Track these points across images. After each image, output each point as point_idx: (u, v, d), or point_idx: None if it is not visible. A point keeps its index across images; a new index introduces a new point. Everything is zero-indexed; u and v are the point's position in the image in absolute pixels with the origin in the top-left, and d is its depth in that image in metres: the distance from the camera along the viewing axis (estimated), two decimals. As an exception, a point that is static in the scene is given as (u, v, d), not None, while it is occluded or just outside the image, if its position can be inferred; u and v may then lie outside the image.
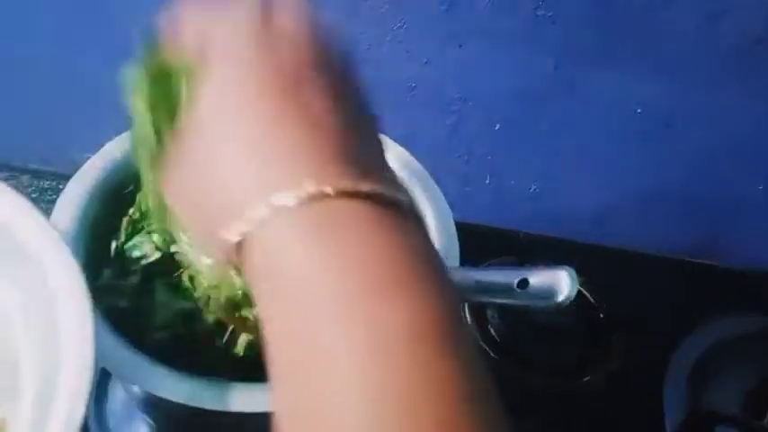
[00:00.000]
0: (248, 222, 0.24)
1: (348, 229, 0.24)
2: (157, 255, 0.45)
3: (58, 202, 0.47)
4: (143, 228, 0.46)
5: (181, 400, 0.38)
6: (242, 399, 0.39)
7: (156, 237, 0.45)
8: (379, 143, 0.30)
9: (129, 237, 0.46)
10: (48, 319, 0.35)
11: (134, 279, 0.45)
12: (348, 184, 0.24)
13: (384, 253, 0.24)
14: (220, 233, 0.26)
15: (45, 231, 0.38)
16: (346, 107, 0.28)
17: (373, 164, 0.27)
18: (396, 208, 0.25)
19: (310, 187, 0.24)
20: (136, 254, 0.45)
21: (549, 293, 0.40)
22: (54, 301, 0.35)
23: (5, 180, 0.88)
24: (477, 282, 0.44)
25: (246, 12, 0.30)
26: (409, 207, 0.26)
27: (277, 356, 0.24)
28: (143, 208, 0.46)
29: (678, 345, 0.76)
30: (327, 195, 0.24)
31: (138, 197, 0.47)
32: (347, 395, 0.22)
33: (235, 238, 0.25)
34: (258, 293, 0.26)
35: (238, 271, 0.28)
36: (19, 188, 0.87)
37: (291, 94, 0.27)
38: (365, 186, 0.25)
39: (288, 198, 0.24)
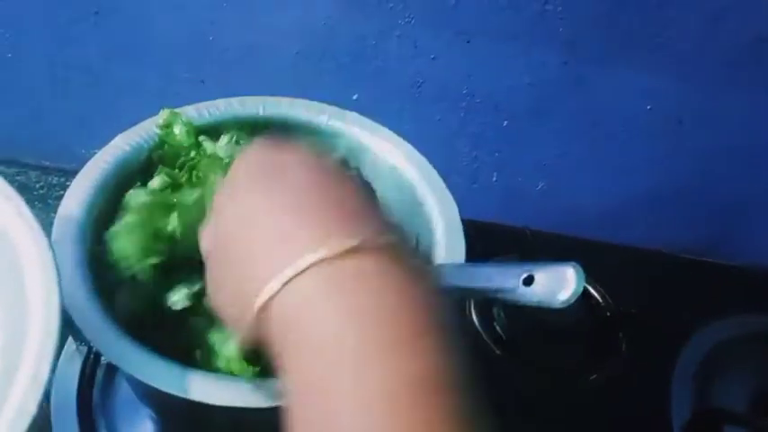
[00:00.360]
0: (275, 284, 0.28)
1: (364, 286, 0.27)
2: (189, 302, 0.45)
3: (66, 195, 0.47)
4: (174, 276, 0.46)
5: (183, 395, 0.38)
6: (245, 394, 0.39)
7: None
8: (380, 209, 0.33)
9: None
10: (16, 289, 0.36)
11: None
12: (349, 243, 0.28)
13: (395, 309, 0.27)
14: (249, 301, 0.29)
15: (13, 208, 0.39)
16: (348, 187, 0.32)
17: (380, 224, 0.30)
18: (402, 259, 0.29)
19: (327, 249, 0.27)
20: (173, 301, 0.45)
21: (556, 289, 0.39)
22: (22, 273, 0.36)
23: (15, 176, 0.90)
24: (483, 278, 0.43)
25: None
26: (411, 253, 0.30)
27: (294, 403, 0.27)
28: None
29: (685, 343, 0.76)
30: (344, 254, 0.27)
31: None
32: None
33: (262, 301, 0.28)
34: (281, 349, 0.28)
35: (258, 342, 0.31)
36: (28, 184, 0.90)
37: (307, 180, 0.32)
38: (384, 240, 0.28)
39: (309, 259, 0.27)
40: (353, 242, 0.28)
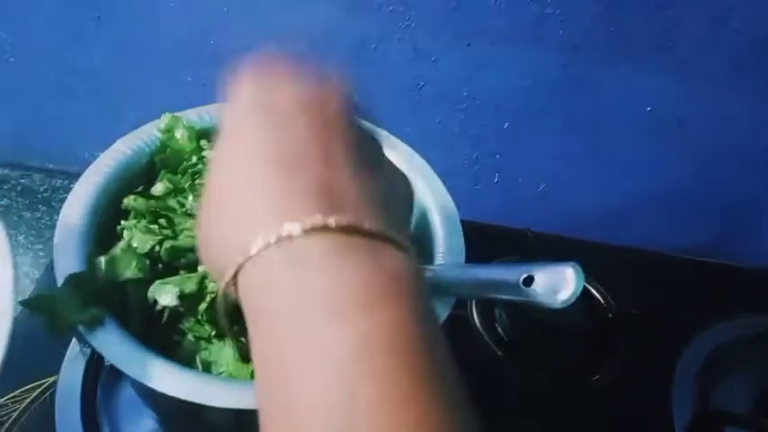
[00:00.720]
0: (243, 255, 0.29)
1: (316, 262, 0.27)
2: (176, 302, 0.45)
3: (68, 198, 0.48)
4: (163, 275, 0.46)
5: (184, 397, 0.38)
6: (246, 395, 0.39)
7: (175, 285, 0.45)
8: (377, 183, 0.32)
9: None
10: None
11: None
12: (318, 220, 0.28)
13: (347, 279, 0.27)
14: (225, 265, 0.30)
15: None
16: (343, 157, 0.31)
17: (353, 201, 0.30)
18: (367, 236, 0.29)
19: (308, 221, 0.28)
20: (159, 300, 0.45)
21: (556, 289, 0.39)
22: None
23: (19, 178, 0.91)
24: (483, 278, 0.43)
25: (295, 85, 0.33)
26: (382, 233, 0.29)
27: (257, 372, 0.28)
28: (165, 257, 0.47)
29: (686, 344, 0.76)
30: (323, 229, 0.28)
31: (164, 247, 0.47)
32: (311, 407, 0.25)
33: (232, 270, 0.29)
34: (247, 317, 0.29)
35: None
36: (32, 187, 0.90)
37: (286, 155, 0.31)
38: (339, 220, 0.28)
39: (291, 228, 0.28)
40: (324, 221, 0.28)
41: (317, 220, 0.28)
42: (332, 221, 0.28)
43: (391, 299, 0.27)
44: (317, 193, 0.29)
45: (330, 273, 0.27)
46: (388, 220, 0.30)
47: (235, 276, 0.29)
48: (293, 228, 0.28)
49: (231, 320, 0.35)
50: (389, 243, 0.29)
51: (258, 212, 0.29)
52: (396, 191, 0.35)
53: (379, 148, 0.36)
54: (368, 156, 0.33)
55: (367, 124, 0.38)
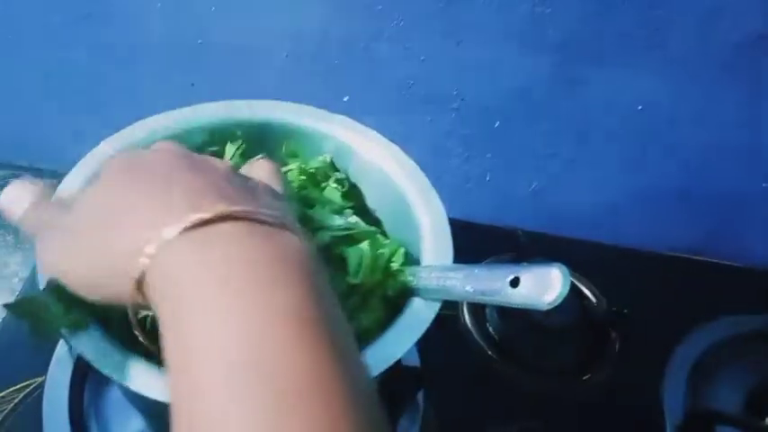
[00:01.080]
0: (146, 256, 0.31)
1: (216, 245, 0.30)
2: None
3: (52, 198, 0.47)
4: None
5: (161, 399, 0.38)
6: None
7: None
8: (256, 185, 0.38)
9: None
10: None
11: None
12: (220, 209, 0.31)
13: (245, 259, 0.30)
14: (125, 271, 0.32)
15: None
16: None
17: (245, 196, 0.34)
18: (262, 223, 0.32)
19: (189, 218, 0.30)
20: None
21: (541, 291, 0.39)
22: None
23: (8, 178, 0.90)
24: (469, 281, 0.43)
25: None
26: (278, 221, 0.32)
27: (167, 365, 0.29)
28: None
29: (679, 343, 0.76)
30: (204, 222, 0.30)
31: None
32: (216, 378, 0.27)
33: (137, 272, 0.31)
34: (155, 308, 0.31)
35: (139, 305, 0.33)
36: (21, 186, 0.90)
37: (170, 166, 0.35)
38: (234, 209, 0.31)
39: (174, 230, 0.30)
40: (210, 213, 0.31)
41: (212, 210, 0.31)
42: (225, 209, 0.31)
43: (289, 274, 0.30)
44: (204, 192, 0.32)
45: (229, 253, 0.30)
46: (275, 208, 0.33)
47: (138, 284, 0.31)
48: (186, 221, 0.30)
49: (146, 324, 0.38)
50: (284, 229, 0.32)
51: (144, 222, 0.32)
52: (273, 192, 0.38)
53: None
54: (242, 178, 0.37)
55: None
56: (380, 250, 0.48)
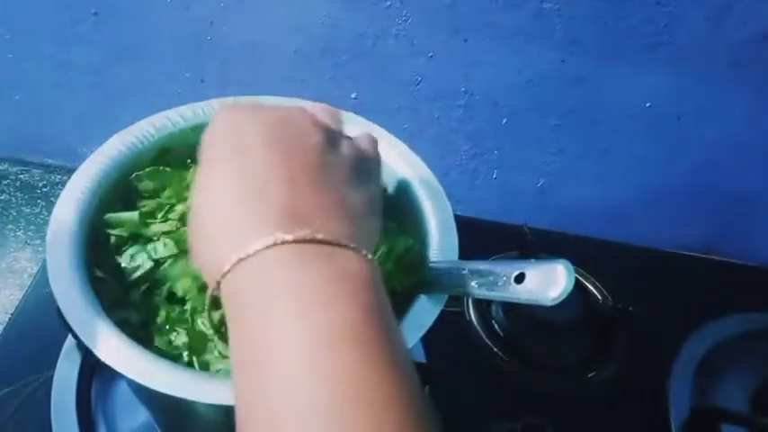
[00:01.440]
0: (226, 267, 0.33)
1: (279, 271, 0.32)
2: (150, 265, 0.47)
3: (61, 195, 0.48)
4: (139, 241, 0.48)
5: (178, 395, 0.38)
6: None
7: (150, 247, 0.47)
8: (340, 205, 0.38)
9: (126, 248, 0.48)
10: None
11: (137, 294, 0.46)
12: (297, 234, 0.33)
13: (305, 281, 0.32)
14: (209, 274, 0.35)
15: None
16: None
17: (310, 216, 0.35)
18: (323, 244, 0.34)
19: (269, 239, 0.33)
20: (132, 264, 0.47)
21: (546, 287, 0.39)
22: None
23: (18, 174, 0.91)
24: (475, 276, 0.43)
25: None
26: (336, 241, 0.34)
27: (232, 358, 0.33)
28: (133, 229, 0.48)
29: (685, 341, 0.76)
30: (282, 243, 0.33)
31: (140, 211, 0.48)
32: (290, 381, 0.29)
33: (215, 279, 0.34)
34: (228, 312, 0.34)
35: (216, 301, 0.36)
36: (31, 182, 0.91)
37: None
38: (297, 235, 0.33)
39: (254, 246, 0.33)
40: (283, 237, 0.33)
41: (278, 237, 0.33)
42: (289, 237, 0.33)
43: (346, 295, 0.32)
44: (279, 215, 0.34)
45: (291, 276, 0.32)
46: (345, 228, 0.35)
47: (218, 284, 0.34)
48: (258, 244, 0.33)
49: (219, 323, 0.39)
50: (344, 248, 0.34)
51: (230, 235, 0.34)
52: (361, 201, 0.39)
53: (350, 164, 0.40)
54: (335, 172, 0.38)
55: (358, 131, 0.43)
56: (393, 243, 0.49)
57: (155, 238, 0.47)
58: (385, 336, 0.32)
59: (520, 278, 0.41)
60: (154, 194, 0.49)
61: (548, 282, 0.40)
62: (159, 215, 0.48)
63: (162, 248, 0.47)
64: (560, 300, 0.40)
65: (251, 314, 0.32)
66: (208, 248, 0.36)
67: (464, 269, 0.44)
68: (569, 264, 0.40)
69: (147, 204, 0.48)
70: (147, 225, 0.48)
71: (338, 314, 0.31)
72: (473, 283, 0.43)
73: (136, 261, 0.47)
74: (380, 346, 0.31)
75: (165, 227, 0.47)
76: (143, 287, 0.46)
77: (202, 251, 0.36)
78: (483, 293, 0.42)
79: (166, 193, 0.49)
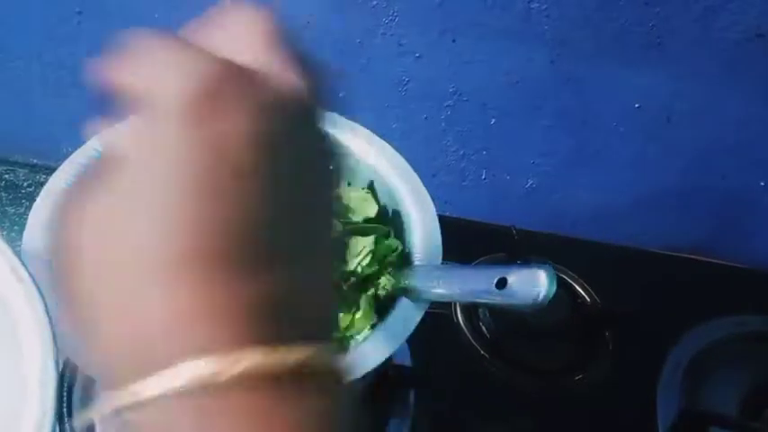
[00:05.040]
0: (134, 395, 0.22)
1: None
2: None
3: (39, 196, 0.47)
4: None
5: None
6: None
7: None
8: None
9: None
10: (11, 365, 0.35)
11: None
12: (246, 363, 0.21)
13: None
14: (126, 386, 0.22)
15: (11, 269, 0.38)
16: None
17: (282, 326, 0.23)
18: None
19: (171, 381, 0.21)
20: None
21: (528, 291, 0.39)
22: (20, 347, 0.35)
23: (3, 174, 0.90)
24: (457, 281, 0.43)
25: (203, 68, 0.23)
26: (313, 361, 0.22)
27: None
28: None
29: (673, 344, 0.75)
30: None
31: None
32: None
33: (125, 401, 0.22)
34: None
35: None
36: (16, 182, 0.90)
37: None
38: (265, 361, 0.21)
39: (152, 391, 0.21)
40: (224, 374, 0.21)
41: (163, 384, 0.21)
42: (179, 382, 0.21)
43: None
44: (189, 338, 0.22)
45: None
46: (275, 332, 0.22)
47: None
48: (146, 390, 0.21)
49: None
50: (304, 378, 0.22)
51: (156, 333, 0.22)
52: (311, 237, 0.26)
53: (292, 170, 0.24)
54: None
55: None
56: (382, 245, 0.49)
57: None
58: None
59: (501, 283, 0.40)
60: None
61: (529, 287, 0.40)
62: None
63: None
64: (542, 305, 0.40)
65: None
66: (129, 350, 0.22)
67: (447, 274, 0.44)
68: (551, 269, 0.40)
69: None
70: None
71: None
72: (456, 289, 0.43)
73: None
74: None
75: None
76: None
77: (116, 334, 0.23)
78: (466, 299, 0.42)
79: None
